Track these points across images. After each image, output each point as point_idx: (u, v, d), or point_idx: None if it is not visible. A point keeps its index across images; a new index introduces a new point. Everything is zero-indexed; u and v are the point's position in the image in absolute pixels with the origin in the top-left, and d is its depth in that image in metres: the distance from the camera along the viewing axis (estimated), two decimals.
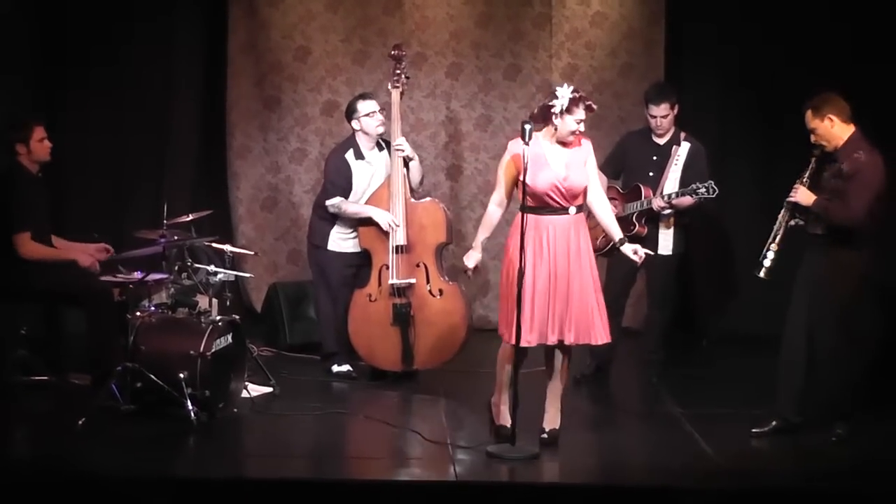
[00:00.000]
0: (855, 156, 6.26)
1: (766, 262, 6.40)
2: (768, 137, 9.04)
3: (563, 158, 6.24)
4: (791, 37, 8.85)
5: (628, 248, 6.37)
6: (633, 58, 9.26)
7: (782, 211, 6.47)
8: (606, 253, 7.67)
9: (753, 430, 6.53)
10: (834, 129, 6.32)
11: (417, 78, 8.94)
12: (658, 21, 9.23)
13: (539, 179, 6.15)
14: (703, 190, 7.27)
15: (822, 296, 6.34)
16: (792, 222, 6.46)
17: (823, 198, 6.32)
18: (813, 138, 6.39)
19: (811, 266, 6.42)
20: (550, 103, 6.18)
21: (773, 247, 6.41)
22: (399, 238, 7.45)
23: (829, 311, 6.34)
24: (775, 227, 6.46)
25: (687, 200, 7.43)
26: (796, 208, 6.43)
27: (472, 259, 6.40)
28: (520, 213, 6.20)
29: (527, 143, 6.08)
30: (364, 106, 7.56)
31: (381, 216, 7.44)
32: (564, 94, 6.16)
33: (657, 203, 7.43)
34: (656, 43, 9.23)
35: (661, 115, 7.52)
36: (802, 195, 6.37)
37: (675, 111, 7.58)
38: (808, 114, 6.37)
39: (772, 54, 8.93)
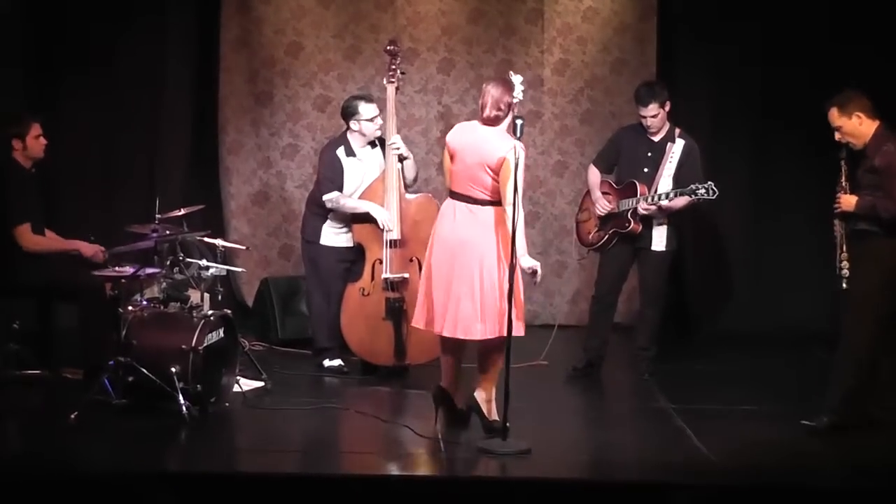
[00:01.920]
0: (884, 149, 6.25)
1: (845, 273, 6.43)
2: (761, 134, 9.05)
3: None
4: (785, 33, 8.86)
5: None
6: (625, 53, 9.26)
7: (836, 224, 6.47)
8: (599, 248, 7.68)
9: (804, 422, 6.50)
10: (862, 126, 6.33)
11: (409, 73, 8.93)
12: (650, 17, 9.22)
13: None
14: (703, 191, 7.22)
15: (855, 286, 6.37)
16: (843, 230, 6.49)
17: (865, 194, 6.32)
18: (837, 136, 6.39)
19: (853, 261, 6.43)
20: (513, 95, 6.13)
21: (844, 256, 6.44)
22: (393, 233, 7.46)
23: (860, 300, 6.35)
24: (837, 240, 6.46)
25: (683, 200, 7.40)
26: (844, 215, 6.44)
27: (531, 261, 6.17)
28: (493, 208, 6.17)
29: (519, 140, 6.08)
30: (367, 110, 7.54)
31: (378, 213, 7.44)
32: (518, 80, 6.16)
33: (643, 206, 7.40)
34: (648, 39, 9.23)
35: (651, 115, 7.51)
36: (846, 202, 6.39)
37: (667, 109, 7.56)
38: (834, 112, 6.36)
39: (764, 50, 8.95)
